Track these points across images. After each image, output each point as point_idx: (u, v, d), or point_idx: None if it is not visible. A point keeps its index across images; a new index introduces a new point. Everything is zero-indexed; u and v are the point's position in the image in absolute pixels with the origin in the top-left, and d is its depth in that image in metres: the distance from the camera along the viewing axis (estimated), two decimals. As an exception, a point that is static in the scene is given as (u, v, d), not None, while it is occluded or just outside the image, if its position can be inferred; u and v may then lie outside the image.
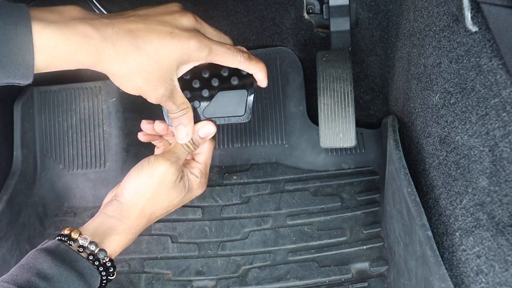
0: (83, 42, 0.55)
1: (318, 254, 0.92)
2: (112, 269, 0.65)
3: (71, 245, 0.62)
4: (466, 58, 0.55)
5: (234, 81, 0.69)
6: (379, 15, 0.96)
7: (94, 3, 1.02)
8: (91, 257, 0.62)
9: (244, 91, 0.70)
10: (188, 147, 0.70)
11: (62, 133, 1.08)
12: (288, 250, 0.93)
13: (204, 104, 0.71)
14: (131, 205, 0.68)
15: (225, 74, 0.70)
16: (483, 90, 0.52)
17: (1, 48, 0.50)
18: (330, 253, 0.92)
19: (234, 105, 0.70)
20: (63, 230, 0.65)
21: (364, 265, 0.89)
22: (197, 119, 0.72)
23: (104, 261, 0.64)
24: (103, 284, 0.65)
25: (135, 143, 1.09)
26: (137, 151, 1.08)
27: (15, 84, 0.55)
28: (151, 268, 0.95)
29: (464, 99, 0.56)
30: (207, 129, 0.70)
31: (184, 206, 1.01)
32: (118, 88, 1.08)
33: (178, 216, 1.00)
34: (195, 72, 0.70)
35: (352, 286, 0.86)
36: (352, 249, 0.91)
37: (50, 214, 1.05)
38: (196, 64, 0.65)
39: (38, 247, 0.62)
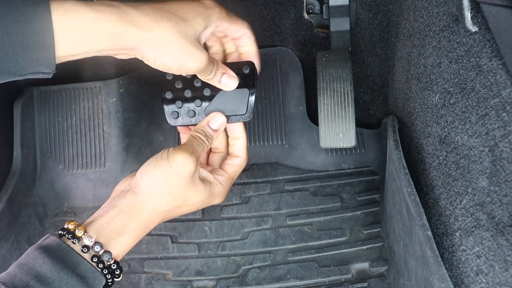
0: (106, 9, 0.55)
1: (318, 254, 0.92)
2: (118, 271, 0.61)
3: (74, 243, 0.59)
4: (466, 58, 0.55)
5: None
6: (379, 15, 0.96)
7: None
8: (95, 259, 0.59)
9: (246, 90, 0.70)
10: (202, 139, 0.68)
11: (62, 133, 1.08)
12: (288, 250, 0.93)
13: (205, 103, 0.71)
14: (146, 198, 0.64)
15: (226, 74, 0.70)
16: (483, 90, 0.52)
17: (22, 29, 0.51)
18: (330, 253, 0.92)
19: (235, 104, 0.70)
20: (68, 222, 0.61)
21: (364, 265, 0.89)
22: (198, 118, 0.72)
23: (108, 263, 0.60)
24: (109, 284, 0.62)
25: (135, 143, 1.09)
26: (137, 151, 1.08)
27: (40, 76, 0.54)
28: (151, 268, 0.95)
29: (464, 99, 0.56)
30: (217, 119, 0.70)
31: (184, 206, 1.01)
32: (118, 88, 1.09)
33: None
34: None
35: (352, 286, 0.86)
36: (352, 249, 0.91)
37: (50, 214, 1.05)
38: (213, 27, 0.65)
39: (38, 243, 0.59)
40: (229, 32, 0.69)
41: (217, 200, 0.70)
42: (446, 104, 0.61)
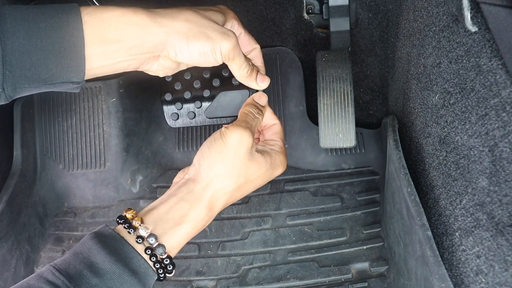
0: (133, 7, 0.58)
1: (318, 254, 0.92)
2: (171, 266, 0.59)
3: (130, 232, 0.58)
4: (466, 58, 0.55)
5: (235, 81, 0.70)
6: (379, 15, 0.96)
7: (94, 2, 1.02)
8: (148, 251, 0.57)
9: (246, 91, 0.70)
10: (254, 114, 0.67)
11: (62, 133, 1.08)
12: (288, 250, 0.93)
13: (205, 104, 0.71)
14: (205, 184, 0.62)
15: (226, 75, 0.70)
16: (482, 90, 0.52)
17: (54, 34, 0.53)
18: (330, 253, 0.92)
19: (236, 105, 0.70)
20: (126, 211, 0.59)
21: (364, 265, 0.89)
22: (198, 119, 0.72)
23: (161, 257, 0.58)
24: (161, 279, 0.60)
25: (135, 143, 1.09)
26: (137, 151, 1.08)
27: (69, 87, 0.56)
28: (151, 268, 0.95)
29: (464, 99, 0.56)
30: (262, 97, 0.70)
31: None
32: (118, 88, 1.09)
33: (178, 216, 1.00)
34: (196, 73, 0.70)
35: (352, 286, 0.86)
36: (352, 249, 0.91)
37: (50, 214, 1.05)
38: (230, 26, 0.67)
39: (94, 231, 0.57)
40: (243, 40, 0.70)
41: (280, 170, 0.68)
42: (446, 104, 0.61)
